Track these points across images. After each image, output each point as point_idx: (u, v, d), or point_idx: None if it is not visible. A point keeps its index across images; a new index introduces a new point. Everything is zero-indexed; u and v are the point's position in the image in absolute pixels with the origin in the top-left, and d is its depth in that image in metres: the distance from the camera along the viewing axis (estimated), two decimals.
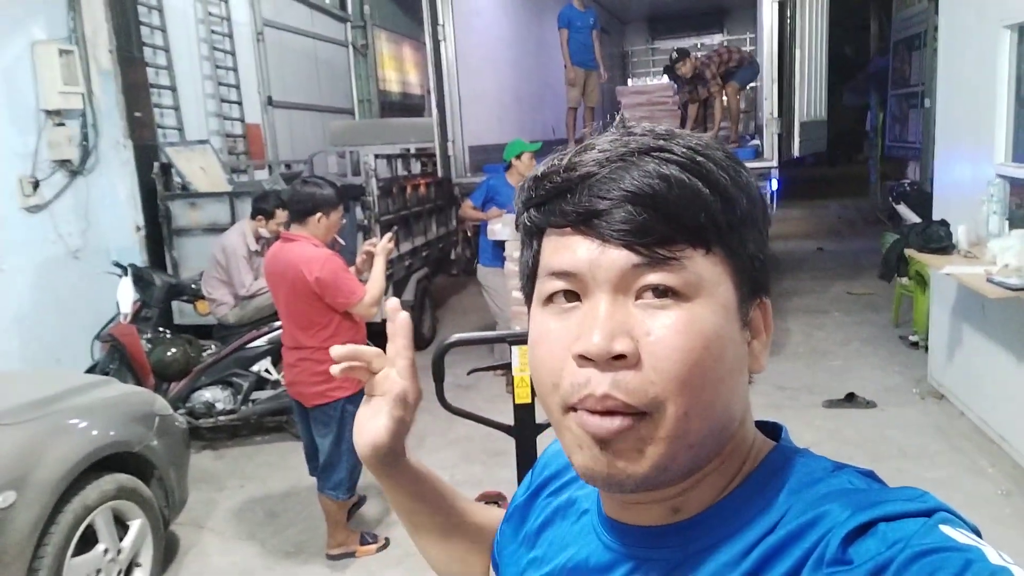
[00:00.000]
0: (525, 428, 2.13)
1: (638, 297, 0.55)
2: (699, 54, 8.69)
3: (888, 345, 5.80)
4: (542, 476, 0.79)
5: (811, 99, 6.80)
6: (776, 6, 6.09)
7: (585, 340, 0.54)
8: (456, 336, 2.14)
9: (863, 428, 4.47)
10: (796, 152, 6.35)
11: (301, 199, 3.16)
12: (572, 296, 0.57)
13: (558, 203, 0.57)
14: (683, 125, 8.98)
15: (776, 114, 6.22)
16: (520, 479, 2.29)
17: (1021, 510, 3.43)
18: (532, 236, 0.62)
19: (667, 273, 0.54)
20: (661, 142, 0.57)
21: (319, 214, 3.14)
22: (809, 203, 14.25)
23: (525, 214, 0.62)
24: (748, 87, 8.44)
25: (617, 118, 0.62)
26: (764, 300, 0.61)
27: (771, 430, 0.65)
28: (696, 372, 0.54)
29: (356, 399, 3.22)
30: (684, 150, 0.57)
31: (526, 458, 2.13)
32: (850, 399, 4.81)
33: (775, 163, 6.23)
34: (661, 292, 0.55)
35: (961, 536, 0.48)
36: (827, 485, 0.56)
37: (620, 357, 0.53)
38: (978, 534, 0.50)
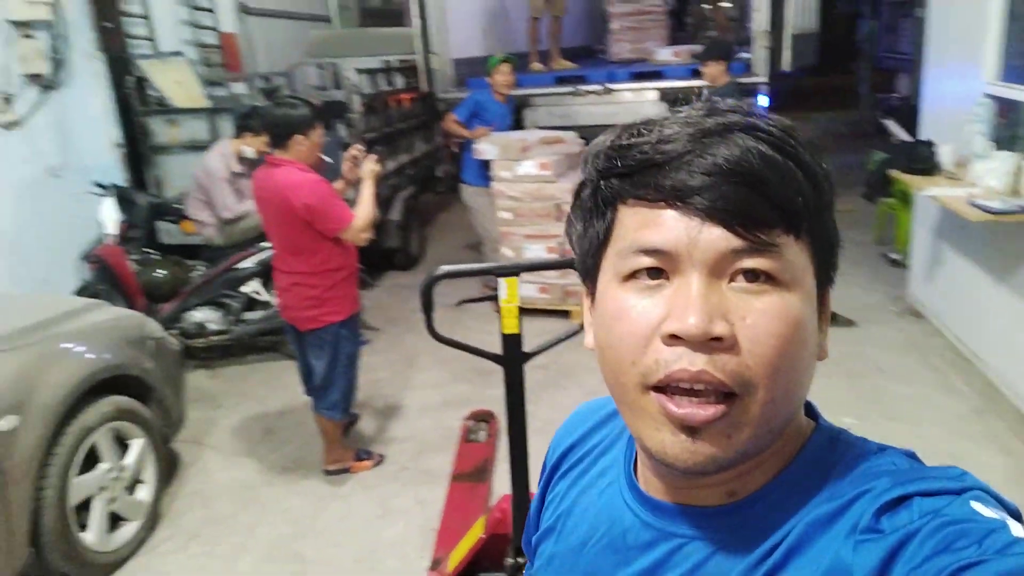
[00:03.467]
0: (513, 357, 2.19)
1: (731, 279, 0.54)
2: None
3: (869, 263, 5.91)
4: (553, 459, 0.79)
5: (803, 9, 6.64)
6: None
7: (680, 320, 0.53)
8: (444, 268, 2.16)
9: (841, 345, 4.61)
10: (787, 66, 6.25)
11: (277, 122, 3.07)
12: (657, 273, 0.56)
13: (650, 175, 0.55)
14: (673, 39, 8.78)
15: (768, 27, 6.08)
16: (509, 405, 2.38)
17: (992, 427, 3.58)
18: (606, 206, 0.59)
19: (765, 259, 0.54)
20: (752, 120, 0.56)
21: (298, 136, 3.06)
22: (797, 116, 13.97)
23: (604, 183, 0.59)
24: None
25: (703, 95, 0.63)
26: (829, 287, 0.62)
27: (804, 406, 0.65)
28: (787, 359, 0.54)
29: (349, 323, 3.27)
30: (777, 130, 0.55)
31: (514, 385, 2.20)
32: (832, 318, 4.92)
33: (766, 78, 6.14)
34: (755, 276, 0.54)
35: (989, 511, 0.50)
36: (873, 465, 0.57)
37: (717, 339, 0.53)
38: (1017, 516, 0.51)
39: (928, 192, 3.98)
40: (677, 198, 0.54)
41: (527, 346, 2.24)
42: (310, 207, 3.00)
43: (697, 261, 0.54)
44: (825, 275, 0.60)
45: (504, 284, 2.17)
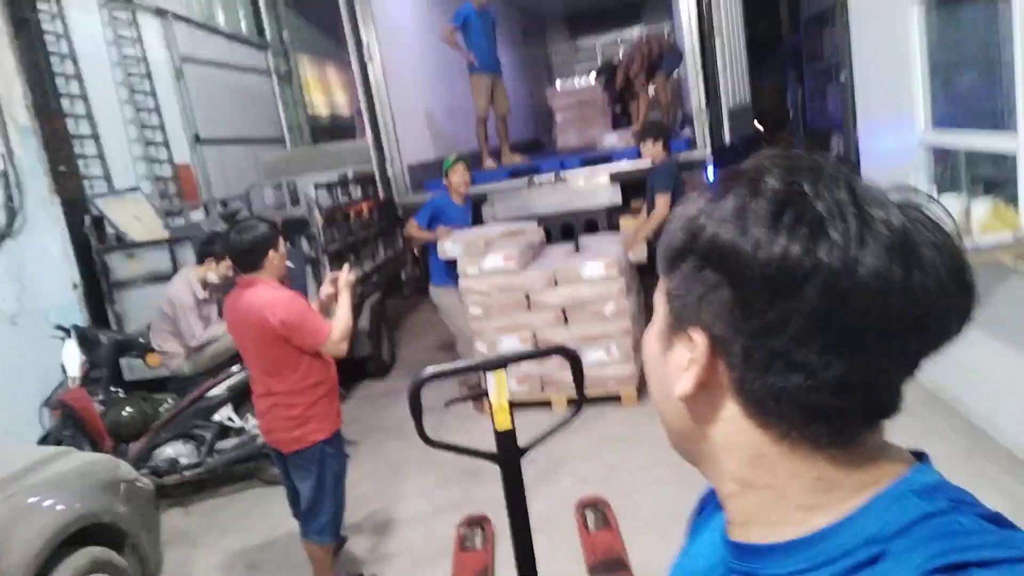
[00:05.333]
0: (510, 454, 2.13)
1: None
2: (619, 55, 8.77)
3: None
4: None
5: (735, 85, 6.97)
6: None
7: None
8: (431, 369, 2.12)
9: None
10: (727, 139, 6.49)
11: (244, 248, 3.04)
12: None
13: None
14: (615, 124, 9.13)
15: (704, 104, 6.36)
16: (510, 504, 2.30)
17: (984, 469, 3.55)
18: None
19: None
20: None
21: (268, 254, 3.05)
22: None
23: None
24: (675, 74, 8.59)
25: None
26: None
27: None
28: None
29: (334, 441, 3.18)
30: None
31: (513, 484, 2.13)
32: None
33: (710, 151, 6.36)
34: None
35: None
36: (929, 525, 0.53)
37: None
38: None
39: None
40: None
41: (522, 441, 2.18)
42: (286, 323, 2.95)
43: None
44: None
45: (492, 379, 2.13)
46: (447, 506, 4.05)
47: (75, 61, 6.33)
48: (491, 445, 2.25)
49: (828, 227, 0.51)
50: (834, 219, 0.52)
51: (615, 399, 5.18)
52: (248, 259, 3.05)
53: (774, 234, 0.52)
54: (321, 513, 3.19)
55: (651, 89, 8.47)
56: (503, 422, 2.09)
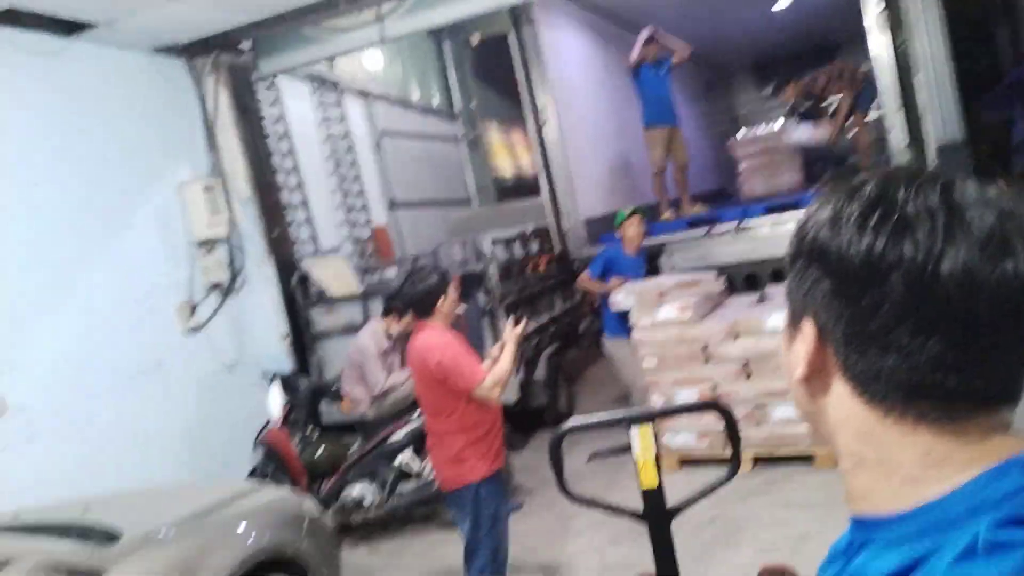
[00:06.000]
0: (657, 514, 2.01)
1: None
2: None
3: None
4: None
5: (944, 118, 6.36)
6: (888, 35, 5.81)
7: None
8: (571, 422, 2.08)
9: None
10: None
11: (418, 297, 3.32)
12: None
13: None
14: (807, 167, 8.65)
15: (907, 143, 5.85)
16: (658, 569, 2.15)
17: None
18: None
19: None
20: None
21: (437, 302, 3.28)
22: None
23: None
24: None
25: None
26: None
27: None
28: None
29: (491, 481, 3.22)
30: None
31: (662, 546, 2.00)
32: None
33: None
34: None
35: None
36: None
37: None
38: None
39: None
40: None
41: (671, 501, 2.06)
42: (442, 364, 3.13)
43: None
44: None
45: (637, 434, 2.04)
46: (617, 564, 3.90)
47: (289, 138, 7.14)
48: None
49: (915, 226, 0.58)
50: (920, 219, 0.58)
51: (806, 460, 4.76)
52: (420, 306, 3.30)
53: (862, 232, 0.59)
54: (479, 555, 3.25)
55: (849, 129, 7.98)
56: (649, 480, 1.99)
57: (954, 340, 0.57)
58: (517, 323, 3.43)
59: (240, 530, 3.03)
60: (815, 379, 0.66)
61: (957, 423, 0.60)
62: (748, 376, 4.92)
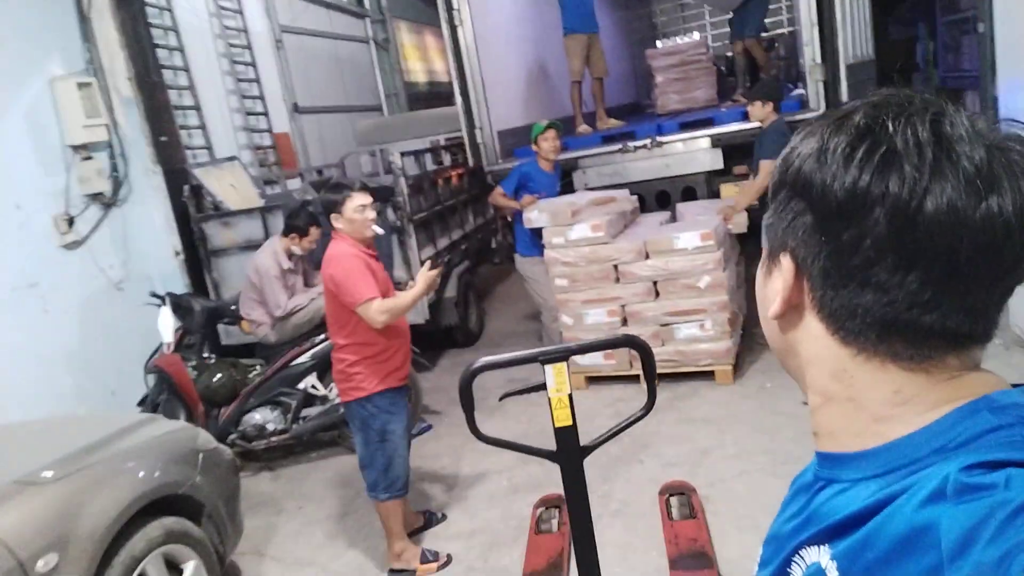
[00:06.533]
0: (569, 452, 1.95)
1: None
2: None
3: None
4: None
5: (855, 38, 6.37)
6: None
7: None
8: (482, 360, 1.98)
9: None
10: (844, 97, 5.95)
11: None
12: None
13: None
14: (721, 82, 8.60)
15: (819, 59, 5.84)
16: (570, 504, 2.13)
17: None
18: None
19: None
20: None
21: (334, 214, 3.12)
22: None
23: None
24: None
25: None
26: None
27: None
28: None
29: (381, 397, 3.15)
30: None
31: (574, 483, 1.95)
32: None
33: (823, 112, 5.85)
34: None
35: None
36: (993, 437, 0.55)
37: None
38: None
39: None
40: None
41: (592, 424, 2.00)
42: (334, 277, 3.07)
43: None
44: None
45: (551, 372, 1.95)
46: (526, 485, 3.93)
47: (177, 33, 6.48)
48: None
49: (902, 160, 0.55)
50: (908, 152, 0.55)
51: (708, 376, 4.90)
52: (319, 214, 3.18)
53: (848, 165, 0.57)
54: (370, 469, 3.27)
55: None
56: (563, 418, 1.92)
57: (933, 277, 0.56)
58: (433, 267, 3.30)
59: (128, 468, 2.82)
60: (789, 315, 0.66)
61: (929, 362, 0.59)
62: (656, 295, 4.95)
